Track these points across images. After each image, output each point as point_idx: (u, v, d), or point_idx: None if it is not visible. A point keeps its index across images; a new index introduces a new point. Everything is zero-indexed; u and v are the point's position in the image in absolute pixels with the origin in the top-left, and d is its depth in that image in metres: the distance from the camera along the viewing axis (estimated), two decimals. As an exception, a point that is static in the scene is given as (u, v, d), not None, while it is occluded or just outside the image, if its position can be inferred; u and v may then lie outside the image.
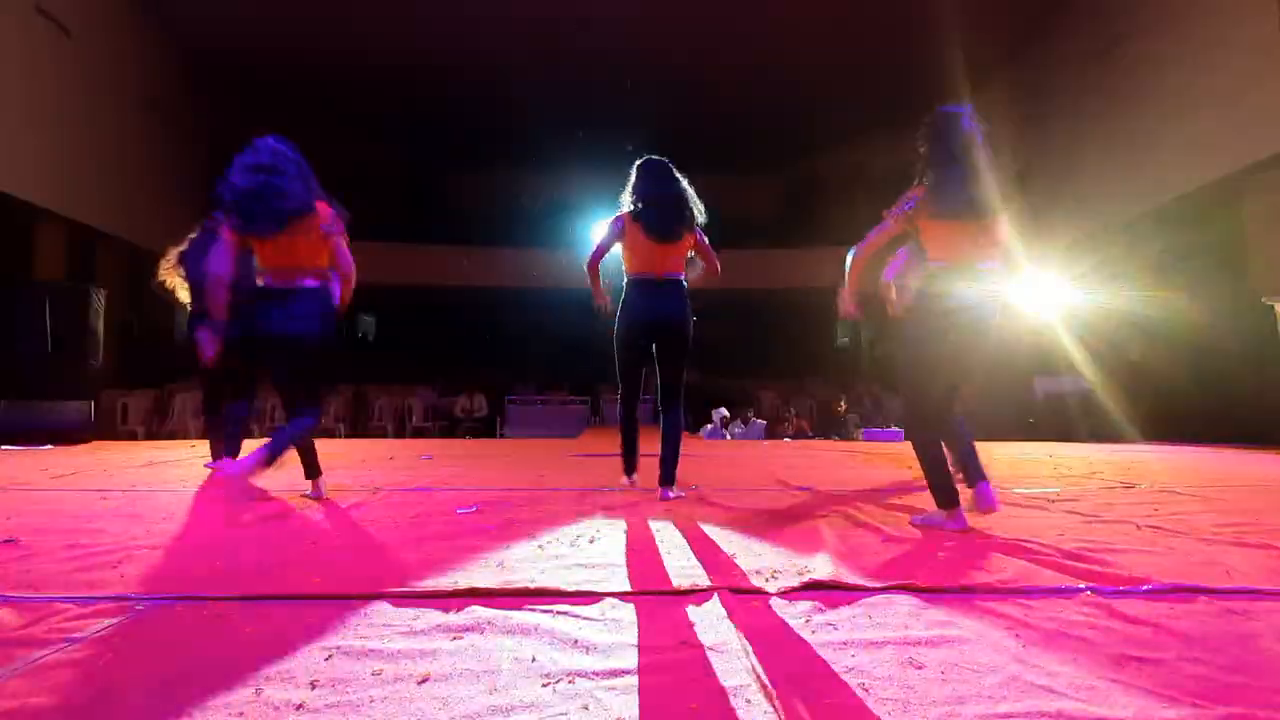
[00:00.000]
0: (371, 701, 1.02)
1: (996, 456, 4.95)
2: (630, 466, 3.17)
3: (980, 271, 2.26)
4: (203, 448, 5.84)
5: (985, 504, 2.24)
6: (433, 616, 1.38)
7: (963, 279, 2.24)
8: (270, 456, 2.47)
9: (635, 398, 3.16)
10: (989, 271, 2.27)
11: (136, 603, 1.46)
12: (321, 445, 3.07)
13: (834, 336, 16.76)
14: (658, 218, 2.96)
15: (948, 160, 2.24)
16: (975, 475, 2.26)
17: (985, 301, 2.26)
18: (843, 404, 8.95)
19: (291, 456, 2.65)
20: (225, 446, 3.53)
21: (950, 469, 2.32)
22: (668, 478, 2.96)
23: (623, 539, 2.11)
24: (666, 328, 3.00)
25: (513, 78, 12.02)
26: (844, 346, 15.94)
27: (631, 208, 3.00)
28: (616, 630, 1.32)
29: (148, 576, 1.67)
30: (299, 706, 1.00)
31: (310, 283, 2.67)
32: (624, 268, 3.08)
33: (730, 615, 1.38)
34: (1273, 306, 6.11)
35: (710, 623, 1.35)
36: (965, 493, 2.28)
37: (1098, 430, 7.95)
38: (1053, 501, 2.85)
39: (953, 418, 2.35)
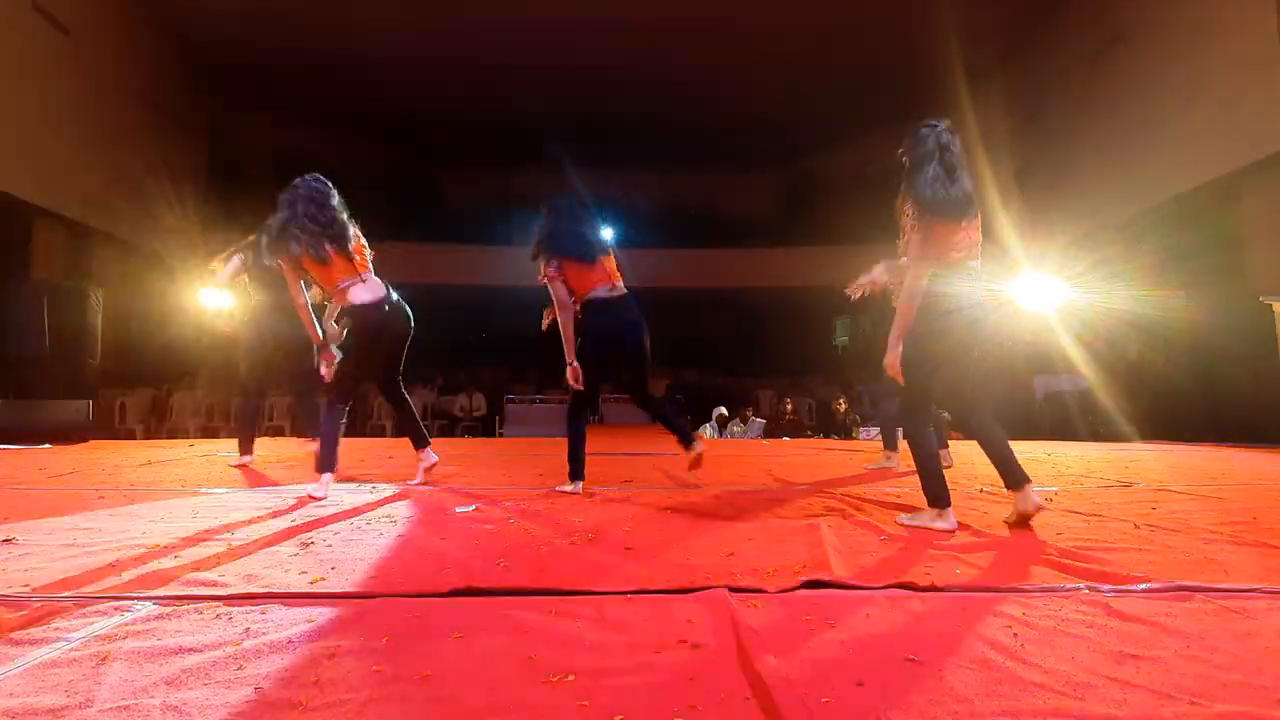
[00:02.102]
0: (371, 701, 1.02)
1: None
2: (576, 472, 3.14)
3: (972, 270, 2.29)
4: (201, 446, 5.84)
5: (1030, 505, 2.20)
6: (432, 615, 1.38)
7: (958, 279, 2.27)
8: None
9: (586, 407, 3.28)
10: (978, 270, 2.31)
11: (135, 602, 1.46)
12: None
13: (833, 336, 16.76)
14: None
15: (926, 164, 2.28)
16: (1017, 477, 2.23)
17: (983, 300, 2.30)
18: (842, 405, 8.95)
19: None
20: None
21: (944, 467, 2.34)
22: (687, 438, 3.21)
23: (622, 538, 2.11)
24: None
25: (512, 76, 12.02)
26: (843, 344, 15.94)
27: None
28: (616, 629, 1.32)
29: (146, 576, 1.67)
30: (299, 706, 1.00)
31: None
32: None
33: (729, 614, 1.38)
34: (1271, 306, 6.12)
35: (709, 621, 1.35)
36: (1005, 494, 2.30)
37: (1096, 429, 7.96)
38: (1051, 500, 2.85)
39: (985, 418, 2.30)
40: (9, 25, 7.61)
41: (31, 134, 7.81)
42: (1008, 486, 2.26)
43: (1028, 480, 2.23)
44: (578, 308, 3.15)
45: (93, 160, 8.87)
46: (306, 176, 3.00)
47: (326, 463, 2.95)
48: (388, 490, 3.13)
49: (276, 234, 2.91)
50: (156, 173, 10.01)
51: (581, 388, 3.09)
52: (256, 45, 11.12)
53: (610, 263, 3.18)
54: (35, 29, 8.00)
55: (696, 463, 3.25)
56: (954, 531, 2.19)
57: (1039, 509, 2.22)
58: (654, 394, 3.27)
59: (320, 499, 2.82)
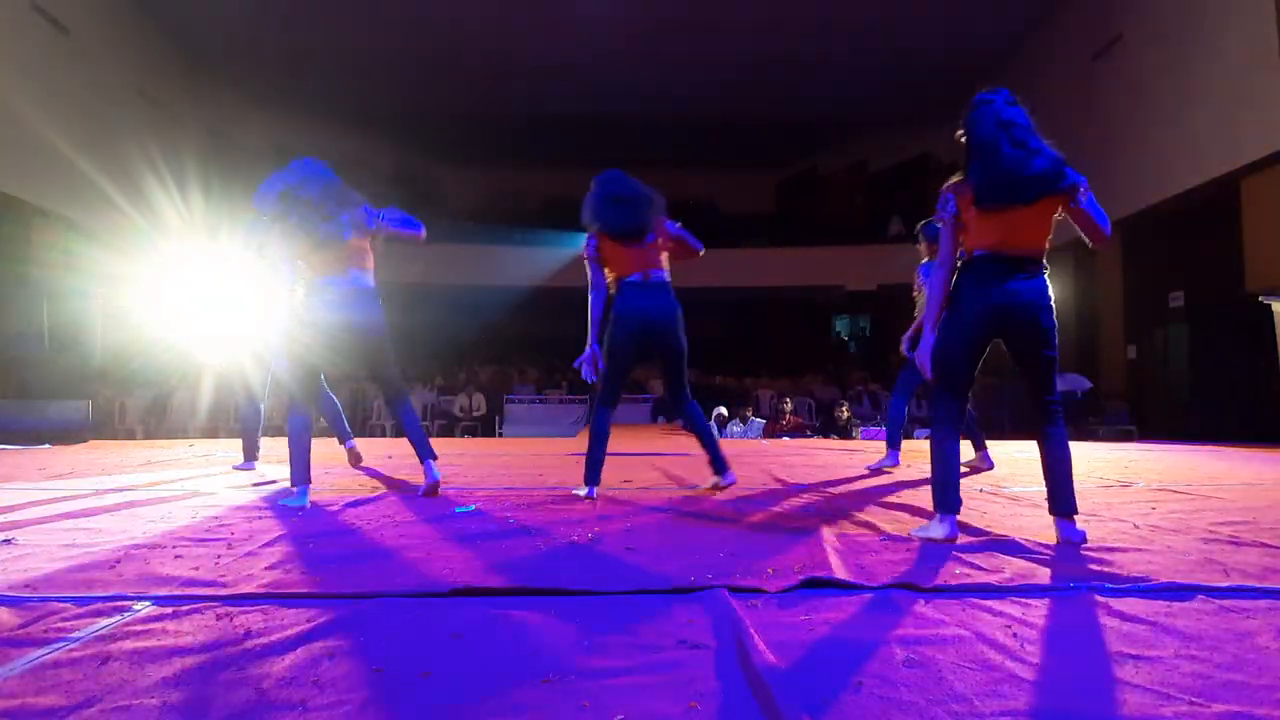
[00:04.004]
0: (371, 701, 1.02)
1: (995, 455, 4.95)
2: (593, 476, 2.90)
3: (1012, 259, 2.15)
4: (201, 446, 5.84)
5: (1066, 536, 2.02)
6: (433, 615, 1.38)
7: (995, 268, 2.15)
8: None
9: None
10: (1023, 259, 2.16)
11: (135, 602, 1.46)
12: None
13: (832, 335, 16.78)
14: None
15: (980, 147, 2.12)
16: (1059, 505, 2.06)
17: (1001, 296, 2.14)
18: (845, 411, 8.94)
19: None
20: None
21: (960, 473, 2.17)
22: (720, 464, 3.03)
23: (622, 538, 2.11)
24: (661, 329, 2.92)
25: (512, 74, 12.03)
26: (841, 345, 15.98)
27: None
28: (616, 629, 1.32)
29: (146, 576, 1.67)
30: (299, 706, 1.00)
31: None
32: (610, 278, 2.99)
33: (729, 614, 1.38)
34: (1271, 306, 6.12)
35: (709, 621, 1.35)
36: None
37: (1096, 429, 7.97)
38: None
39: (1045, 432, 2.12)
40: (9, 25, 7.61)
41: (31, 134, 7.80)
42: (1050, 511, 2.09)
43: (1066, 513, 2.05)
44: (613, 292, 2.91)
45: (93, 160, 8.86)
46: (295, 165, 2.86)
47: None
48: (386, 490, 3.12)
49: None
50: (157, 171, 10.00)
51: (593, 379, 2.85)
52: (257, 43, 11.13)
53: (657, 250, 2.90)
54: (35, 28, 8.00)
55: (715, 489, 3.05)
56: (953, 540, 2.05)
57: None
58: (690, 398, 3.01)
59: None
